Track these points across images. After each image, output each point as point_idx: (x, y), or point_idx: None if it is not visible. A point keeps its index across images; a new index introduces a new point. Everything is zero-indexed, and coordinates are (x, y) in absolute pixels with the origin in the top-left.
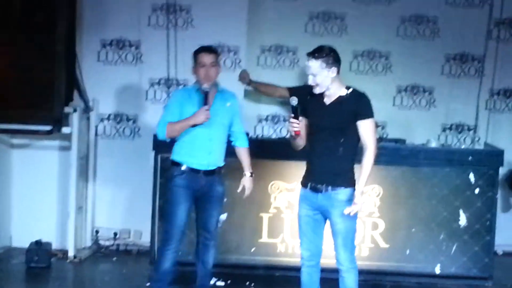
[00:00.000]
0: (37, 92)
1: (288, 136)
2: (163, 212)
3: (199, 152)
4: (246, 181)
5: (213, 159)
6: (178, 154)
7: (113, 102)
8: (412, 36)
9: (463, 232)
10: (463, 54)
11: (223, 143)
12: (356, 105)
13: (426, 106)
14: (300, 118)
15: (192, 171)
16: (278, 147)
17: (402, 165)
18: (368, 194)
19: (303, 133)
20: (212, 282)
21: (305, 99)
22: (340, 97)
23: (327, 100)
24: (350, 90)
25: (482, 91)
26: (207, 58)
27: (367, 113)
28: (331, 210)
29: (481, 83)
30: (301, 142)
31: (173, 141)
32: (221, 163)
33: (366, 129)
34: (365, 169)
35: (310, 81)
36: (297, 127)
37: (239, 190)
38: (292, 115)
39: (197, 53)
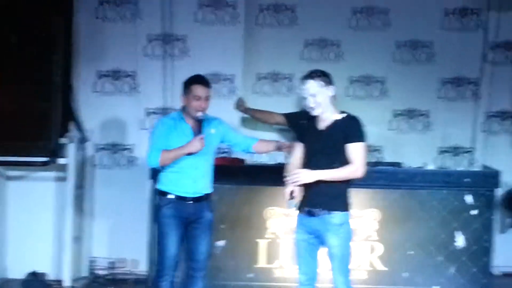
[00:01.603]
0: (33, 123)
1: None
2: (157, 242)
3: (185, 181)
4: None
5: (199, 187)
6: (164, 184)
7: (110, 132)
8: (408, 60)
9: (461, 254)
10: (458, 77)
11: (209, 171)
12: (347, 128)
13: (422, 130)
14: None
15: (180, 198)
16: (274, 172)
17: (399, 188)
18: (366, 218)
19: (295, 161)
20: None
21: (301, 124)
22: (336, 121)
23: (322, 125)
24: (345, 114)
25: (478, 113)
26: (202, 92)
27: (357, 136)
28: (326, 234)
29: (477, 106)
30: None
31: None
32: (209, 190)
33: (353, 151)
34: (338, 170)
35: (311, 103)
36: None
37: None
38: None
39: (191, 83)
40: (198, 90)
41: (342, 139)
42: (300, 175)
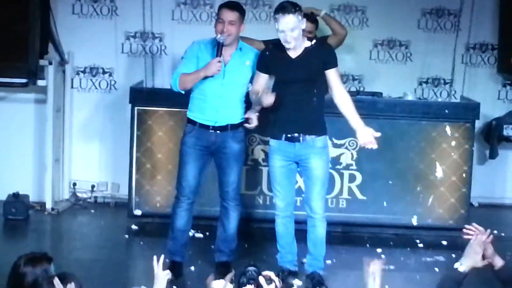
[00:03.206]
0: (11, 44)
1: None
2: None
3: (208, 109)
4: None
5: (221, 117)
6: (190, 110)
7: (89, 55)
8: None
9: (439, 184)
10: (439, 8)
11: (237, 102)
12: (324, 55)
13: (402, 60)
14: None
15: (202, 126)
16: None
17: (379, 118)
18: (345, 147)
19: (258, 86)
20: (190, 234)
21: (266, 55)
22: (306, 48)
23: (293, 54)
24: (314, 41)
25: (458, 45)
26: (226, 15)
27: (335, 61)
28: (311, 157)
29: (457, 37)
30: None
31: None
32: (236, 121)
33: (335, 76)
34: (354, 109)
35: (288, 37)
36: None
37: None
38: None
39: (220, 7)
40: (223, 13)
41: (320, 65)
42: (373, 142)
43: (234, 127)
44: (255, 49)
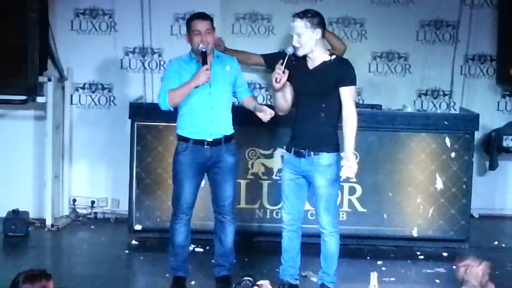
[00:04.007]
0: (10, 61)
1: (271, 92)
2: (174, 184)
3: (200, 123)
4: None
5: (216, 128)
6: (181, 128)
7: (88, 72)
8: (387, 3)
9: (439, 196)
10: (437, 20)
11: (227, 110)
12: (340, 71)
13: (401, 72)
14: (285, 70)
15: (196, 143)
16: (254, 114)
17: (379, 130)
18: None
19: (288, 96)
20: (190, 248)
21: (293, 64)
22: (324, 62)
23: (311, 65)
24: (334, 56)
25: (457, 56)
26: (202, 26)
27: (350, 80)
28: (314, 175)
29: (455, 49)
30: (281, 101)
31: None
32: (229, 132)
33: (347, 95)
34: (352, 132)
35: (295, 42)
36: (279, 75)
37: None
38: (282, 61)
39: (190, 20)
40: (197, 24)
41: (333, 81)
42: (353, 169)
43: (227, 139)
44: (232, 57)
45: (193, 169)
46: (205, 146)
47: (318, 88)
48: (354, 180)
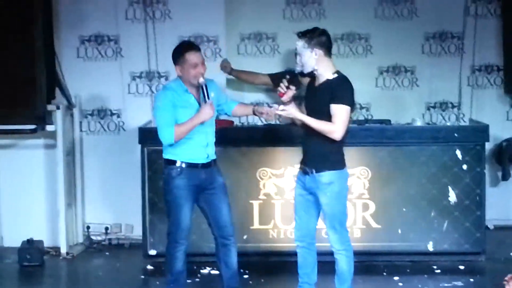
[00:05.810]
0: (18, 91)
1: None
2: (168, 213)
3: (197, 147)
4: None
5: (210, 151)
6: (172, 152)
7: (96, 98)
8: (391, 17)
9: (453, 209)
10: (442, 32)
11: (214, 134)
12: (334, 89)
13: (408, 86)
14: (291, 86)
15: (190, 166)
16: (264, 134)
17: (389, 145)
18: (357, 176)
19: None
20: (206, 271)
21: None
22: (326, 80)
23: (316, 83)
24: (336, 75)
25: (464, 68)
26: (198, 57)
27: (341, 98)
28: (317, 192)
29: (462, 60)
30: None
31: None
32: (215, 156)
33: (336, 112)
34: (318, 121)
35: (297, 60)
36: (282, 89)
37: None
38: (287, 77)
39: (183, 52)
40: (194, 57)
41: (328, 99)
42: (289, 109)
43: (215, 162)
44: (210, 79)
45: (191, 192)
46: (200, 168)
47: (317, 106)
48: (367, 196)
